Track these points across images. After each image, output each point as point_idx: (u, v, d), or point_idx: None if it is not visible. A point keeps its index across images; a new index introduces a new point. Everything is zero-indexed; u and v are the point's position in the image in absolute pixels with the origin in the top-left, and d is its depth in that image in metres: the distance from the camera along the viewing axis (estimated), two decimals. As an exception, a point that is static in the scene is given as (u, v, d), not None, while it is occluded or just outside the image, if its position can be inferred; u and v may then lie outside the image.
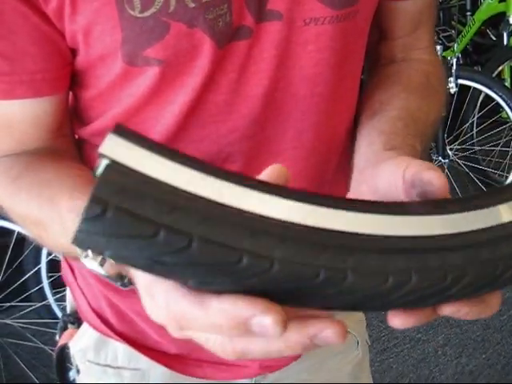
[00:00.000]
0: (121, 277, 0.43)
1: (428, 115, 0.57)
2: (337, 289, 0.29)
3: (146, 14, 0.48)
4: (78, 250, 0.41)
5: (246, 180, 0.30)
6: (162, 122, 0.54)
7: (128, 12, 0.48)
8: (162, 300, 0.32)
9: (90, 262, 0.40)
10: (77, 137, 0.63)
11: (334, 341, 0.30)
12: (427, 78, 0.61)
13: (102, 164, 0.29)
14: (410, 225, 0.31)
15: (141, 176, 0.29)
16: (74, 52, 0.53)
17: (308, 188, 0.61)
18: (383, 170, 0.41)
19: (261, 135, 0.57)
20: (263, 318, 0.29)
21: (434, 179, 0.34)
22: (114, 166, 0.29)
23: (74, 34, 0.50)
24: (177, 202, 0.28)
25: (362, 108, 0.59)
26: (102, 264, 0.40)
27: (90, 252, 0.39)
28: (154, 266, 0.29)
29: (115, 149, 0.29)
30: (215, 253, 0.28)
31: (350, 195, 0.47)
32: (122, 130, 0.31)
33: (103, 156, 0.29)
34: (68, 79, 0.55)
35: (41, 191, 0.50)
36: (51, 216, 0.48)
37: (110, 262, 0.40)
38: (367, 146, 0.51)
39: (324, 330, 0.30)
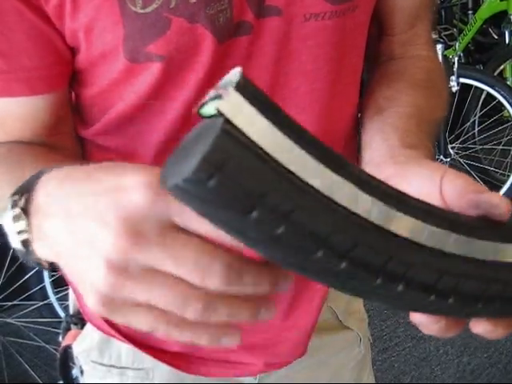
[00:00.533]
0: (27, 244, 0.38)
1: (433, 114, 0.57)
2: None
3: (148, 9, 0.48)
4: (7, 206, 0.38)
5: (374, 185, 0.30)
6: (164, 119, 0.54)
7: (129, 8, 0.48)
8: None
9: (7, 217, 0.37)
10: (79, 135, 0.63)
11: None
12: (428, 76, 0.62)
13: (218, 122, 0.26)
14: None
15: (255, 152, 0.26)
16: (74, 51, 0.53)
17: None
18: (415, 173, 0.42)
19: None
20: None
21: (501, 203, 0.35)
22: (231, 132, 0.26)
23: (74, 32, 0.50)
24: (283, 188, 0.27)
25: (365, 104, 0.59)
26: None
27: (22, 201, 0.36)
28: (240, 238, 0.28)
29: (237, 111, 0.27)
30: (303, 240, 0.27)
31: None
32: (248, 89, 0.27)
33: (220, 113, 0.27)
34: (65, 77, 0.55)
35: (14, 168, 0.49)
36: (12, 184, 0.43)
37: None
38: (381, 140, 0.51)
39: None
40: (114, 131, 0.57)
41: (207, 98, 0.28)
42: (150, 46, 0.49)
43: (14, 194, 0.38)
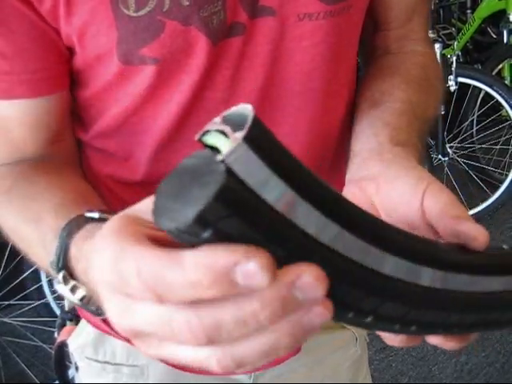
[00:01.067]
0: (89, 303, 0.41)
1: (426, 111, 0.58)
2: None
3: (141, 13, 0.48)
4: (53, 269, 0.42)
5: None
6: (159, 121, 0.54)
7: (123, 11, 0.48)
8: (131, 269, 0.25)
9: (62, 288, 0.40)
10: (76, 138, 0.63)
11: (314, 287, 0.24)
12: (425, 72, 0.62)
13: (220, 171, 0.25)
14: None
15: (255, 210, 0.25)
16: (70, 51, 0.53)
17: None
18: (399, 178, 0.42)
19: None
20: (247, 264, 0.23)
21: (479, 236, 0.35)
22: (232, 188, 0.24)
23: (69, 34, 0.50)
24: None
25: (360, 96, 0.60)
26: (72, 291, 0.40)
27: (60, 276, 0.40)
28: None
29: (242, 165, 0.25)
30: None
31: (348, 180, 0.48)
32: (258, 138, 0.25)
33: (223, 162, 0.25)
34: (67, 78, 0.55)
35: (29, 205, 0.50)
36: (35, 235, 0.47)
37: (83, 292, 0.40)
38: (371, 135, 0.51)
39: (302, 274, 0.24)
40: (109, 133, 0.57)
41: (212, 126, 0.27)
42: (143, 49, 0.49)
43: (53, 265, 0.42)
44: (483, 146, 2.73)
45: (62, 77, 0.54)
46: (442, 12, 2.98)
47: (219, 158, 0.25)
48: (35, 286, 1.94)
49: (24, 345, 1.92)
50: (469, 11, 3.02)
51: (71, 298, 0.40)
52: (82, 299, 0.40)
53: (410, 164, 0.45)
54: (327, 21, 0.53)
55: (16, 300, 1.94)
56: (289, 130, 0.57)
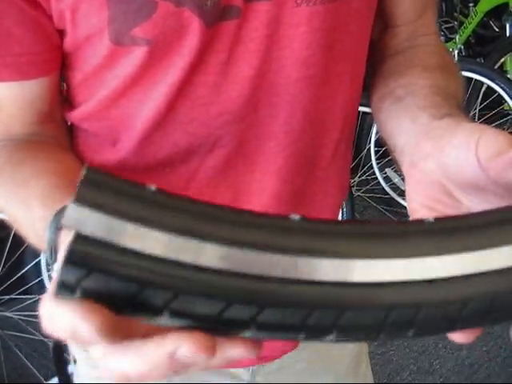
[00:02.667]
0: None
1: (453, 92, 0.54)
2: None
3: None
4: (48, 259, 0.42)
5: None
6: (150, 104, 0.54)
7: None
8: None
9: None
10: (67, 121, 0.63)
11: (196, 357, 0.28)
12: (443, 59, 0.59)
13: (71, 235, 0.27)
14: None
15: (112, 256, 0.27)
16: (62, 33, 0.52)
17: (299, 173, 0.60)
18: (450, 147, 0.38)
19: (251, 119, 0.56)
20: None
21: None
22: (81, 242, 0.27)
23: (61, 12, 0.49)
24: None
25: (379, 97, 0.57)
26: None
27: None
28: None
29: (79, 220, 0.27)
30: None
31: (408, 175, 0.44)
32: (88, 194, 0.27)
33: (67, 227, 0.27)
34: (56, 62, 0.54)
35: (17, 190, 0.50)
36: (25, 218, 0.49)
37: None
38: (410, 122, 0.48)
39: (180, 345, 0.28)
40: (98, 116, 0.57)
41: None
42: (135, 30, 0.49)
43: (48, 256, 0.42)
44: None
45: (50, 61, 0.54)
46: (444, 6, 2.96)
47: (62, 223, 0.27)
48: (36, 280, 1.94)
49: (25, 339, 1.92)
50: (471, 5, 3.00)
51: None
52: None
53: (462, 126, 0.39)
54: (324, 6, 0.52)
55: (17, 294, 1.94)
56: (285, 117, 0.56)
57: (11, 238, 1.85)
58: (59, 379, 0.77)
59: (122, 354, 0.29)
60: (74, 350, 0.71)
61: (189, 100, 0.54)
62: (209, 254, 0.27)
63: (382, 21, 0.64)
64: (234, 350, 0.29)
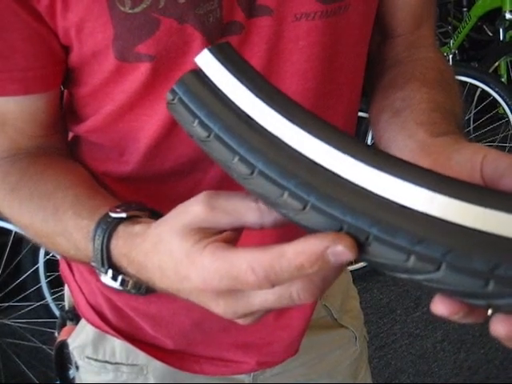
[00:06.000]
0: (138, 287, 0.45)
1: (455, 109, 0.55)
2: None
3: (137, 9, 0.48)
4: (97, 267, 0.45)
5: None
6: (155, 118, 0.54)
7: (118, 8, 0.48)
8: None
9: (110, 281, 0.44)
10: (71, 134, 0.63)
11: (346, 252, 0.31)
12: (441, 75, 0.59)
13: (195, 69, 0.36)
14: None
15: (212, 90, 0.35)
16: (67, 49, 0.53)
17: None
18: (453, 163, 0.40)
19: None
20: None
21: None
22: (196, 72, 0.36)
23: (66, 30, 0.50)
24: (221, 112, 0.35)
25: (378, 109, 0.58)
26: (118, 279, 0.44)
27: (110, 273, 0.44)
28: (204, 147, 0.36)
29: (206, 61, 0.36)
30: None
31: None
32: (221, 50, 0.36)
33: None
34: (60, 77, 0.55)
35: (43, 204, 0.51)
36: (56, 230, 0.50)
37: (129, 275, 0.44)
38: (407, 138, 0.49)
39: (336, 244, 0.31)
40: (105, 129, 0.57)
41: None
42: (139, 46, 0.49)
43: (96, 264, 0.45)
44: (480, 143, 2.74)
45: (55, 76, 0.54)
46: (438, 10, 2.98)
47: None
48: (34, 288, 1.94)
49: (24, 346, 1.92)
50: (465, 9, 3.02)
51: (119, 288, 0.44)
52: (129, 286, 0.45)
53: (461, 144, 0.42)
54: (323, 21, 0.53)
55: (15, 301, 1.93)
56: None
57: (10, 244, 1.85)
58: (60, 383, 0.77)
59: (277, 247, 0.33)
60: (77, 357, 0.72)
61: None
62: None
63: (381, 32, 0.64)
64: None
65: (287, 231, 0.62)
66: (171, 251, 0.37)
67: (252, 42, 0.52)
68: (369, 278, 2.24)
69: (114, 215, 0.45)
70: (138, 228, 0.42)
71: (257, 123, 0.34)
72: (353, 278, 0.86)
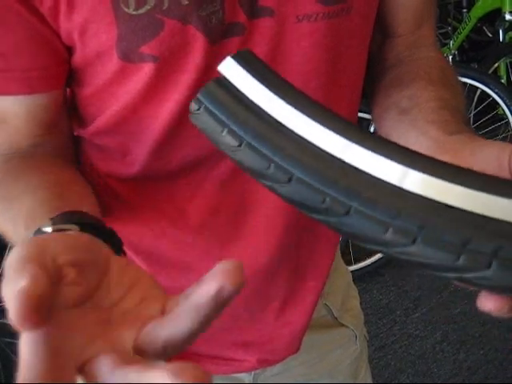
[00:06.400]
0: None
1: (458, 105, 0.55)
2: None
3: (141, 11, 0.48)
4: None
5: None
6: (158, 120, 0.55)
7: (123, 9, 0.48)
8: None
9: None
10: (76, 134, 0.63)
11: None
12: (444, 74, 0.59)
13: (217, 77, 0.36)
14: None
15: (236, 97, 0.35)
16: (70, 50, 0.53)
17: None
18: (478, 158, 0.39)
19: None
20: None
21: None
22: (220, 81, 0.36)
23: (70, 32, 0.50)
24: (245, 115, 0.35)
25: (383, 108, 0.58)
26: None
27: None
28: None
29: (229, 68, 0.36)
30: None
31: None
32: (243, 57, 0.36)
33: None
34: (63, 77, 0.55)
35: (10, 206, 0.50)
36: (14, 236, 0.49)
37: None
38: (419, 135, 0.48)
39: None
40: (108, 131, 0.57)
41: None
42: (143, 47, 0.50)
43: None
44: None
45: (58, 76, 0.54)
46: (438, 11, 2.98)
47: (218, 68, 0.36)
48: (34, 288, 1.94)
49: (23, 346, 1.92)
50: (464, 10, 3.03)
51: None
52: None
53: (482, 141, 0.41)
54: (325, 22, 0.53)
55: (15, 301, 1.94)
56: None
57: (9, 245, 1.85)
58: None
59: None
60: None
61: None
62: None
63: (382, 32, 0.64)
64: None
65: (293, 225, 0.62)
66: None
67: (254, 43, 0.52)
68: (368, 278, 2.24)
69: (43, 229, 0.39)
70: None
71: (288, 129, 0.34)
72: (352, 278, 0.86)
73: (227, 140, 0.34)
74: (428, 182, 0.30)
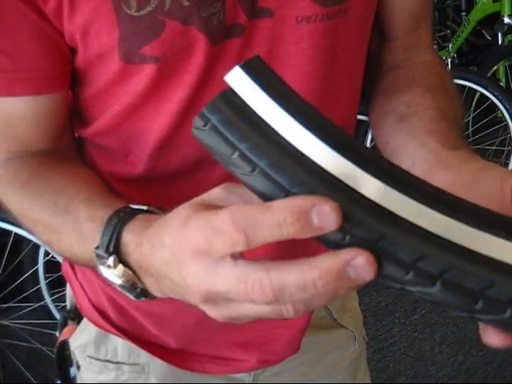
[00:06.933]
0: (135, 287, 0.43)
1: (457, 117, 0.55)
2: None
3: (142, 12, 0.49)
4: (96, 259, 0.43)
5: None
6: (160, 120, 0.55)
7: (124, 11, 0.49)
8: (227, 218, 0.31)
9: (108, 271, 0.42)
10: (77, 135, 0.63)
11: (367, 270, 0.29)
12: (441, 80, 0.60)
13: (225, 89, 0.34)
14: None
15: (242, 110, 0.33)
16: (73, 51, 0.53)
17: None
18: (480, 185, 0.40)
19: None
20: (321, 206, 0.29)
21: None
22: (228, 94, 0.33)
23: (72, 33, 0.51)
24: (251, 134, 0.32)
25: (381, 114, 0.58)
26: (119, 274, 0.42)
27: (111, 260, 0.42)
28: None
29: (237, 80, 0.33)
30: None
31: None
32: (252, 66, 0.33)
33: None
34: (68, 77, 0.55)
35: (55, 199, 0.51)
36: (66, 224, 0.49)
37: (126, 272, 0.42)
38: (418, 146, 0.49)
39: (357, 256, 0.29)
40: (110, 131, 0.58)
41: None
42: (144, 48, 0.50)
43: (100, 249, 0.43)
44: (479, 146, 2.75)
45: (63, 76, 0.55)
46: (437, 14, 2.99)
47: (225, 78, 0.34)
48: (34, 289, 1.94)
49: (23, 347, 1.92)
50: (463, 13, 3.03)
51: (117, 282, 0.42)
52: (126, 278, 0.42)
53: (482, 163, 0.43)
54: (323, 23, 0.54)
55: (14, 303, 1.93)
56: None
57: (9, 246, 1.86)
58: (61, 382, 0.78)
59: (288, 265, 0.31)
60: (78, 356, 0.72)
61: (196, 115, 0.55)
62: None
63: (379, 33, 0.65)
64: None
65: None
66: (172, 218, 0.36)
67: (254, 44, 0.53)
68: (367, 280, 2.24)
69: (134, 206, 0.44)
70: (155, 216, 0.42)
71: (306, 156, 0.31)
72: (352, 279, 0.86)
73: (238, 164, 0.32)
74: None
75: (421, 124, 0.51)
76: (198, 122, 0.34)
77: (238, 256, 0.32)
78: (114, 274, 0.42)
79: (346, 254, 0.30)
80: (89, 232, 0.46)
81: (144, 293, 0.42)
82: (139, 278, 0.42)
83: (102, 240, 0.43)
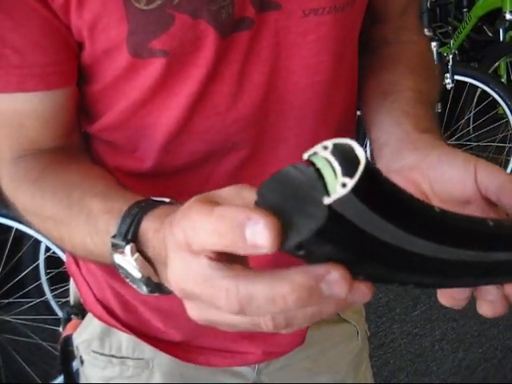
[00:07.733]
0: (149, 281, 0.41)
1: (431, 97, 0.60)
2: None
3: (152, 6, 0.49)
4: (111, 249, 0.42)
5: None
6: (168, 114, 0.55)
7: (133, 5, 0.49)
8: (188, 223, 0.30)
9: (124, 260, 0.41)
10: (83, 131, 0.63)
11: (340, 285, 0.28)
12: (424, 60, 0.64)
13: (323, 210, 0.26)
14: None
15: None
16: (79, 46, 0.53)
17: None
18: (445, 166, 0.44)
19: (263, 124, 0.57)
20: (257, 222, 0.27)
21: None
22: (332, 224, 0.26)
23: (80, 28, 0.51)
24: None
25: (366, 87, 0.62)
26: (135, 263, 0.40)
27: (128, 248, 0.40)
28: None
29: (346, 209, 0.26)
30: None
31: (386, 171, 0.45)
32: (365, 191, 0.26)
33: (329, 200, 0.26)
34: (75, 72, 0.55)
35: (68, 192, 0.50)
36: (80, 216, 0.48)
37: (143, 263, 0.40)
38: (394, 125, 0.53)
39: (330, 271, 0.28)
40: (117, 127, 0.58)
41: (320, 151, 0.28)
42: (153, 42, 0.50)
43: (118, 238, 0.42)
44: (480, 143, 2.75)
45: (72, 71, 0.55)
46: (438, 11, 3.00)
47: (326, 200, 0.26)
48: (35, 284, 1.94)
49: (24, 343, 1.92)
50: (465, 10, 3.04)
51: (132, 272, 0.41)
52: (144, 269, 0.41)
53: (447, 148, 0.47)
54: (332, 16, 0.54)
55: (15, 298, 1.93)
56: (296, 121, 0.58)
57: (10, 241, 1.86)
58: (64, 377, 0.78)
59: (259, 275, 0.29)
60: (82, 351, 0.72)
61: (205, 109, 0.55)
62: None
63: (370, 18, 0.65)
64: (359, 292, 0.29)
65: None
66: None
67: (262, 37, 0.53)
68: (368, 276, 2.24)
69: (155, 198, 0.43)
70: (176, 207, 0.40)
71: None
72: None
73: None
74: None
75: (397, 104, 0.55)
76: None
77: (213, 257, 0.30)
78: (129, 264, 0.41)
79: (320, 269, 0.28)
80: (104, 223, 0.45)
81: (158, 286, 0.41)
82: (155, 271, 0.40)
83: (119, 228, 0.42)
